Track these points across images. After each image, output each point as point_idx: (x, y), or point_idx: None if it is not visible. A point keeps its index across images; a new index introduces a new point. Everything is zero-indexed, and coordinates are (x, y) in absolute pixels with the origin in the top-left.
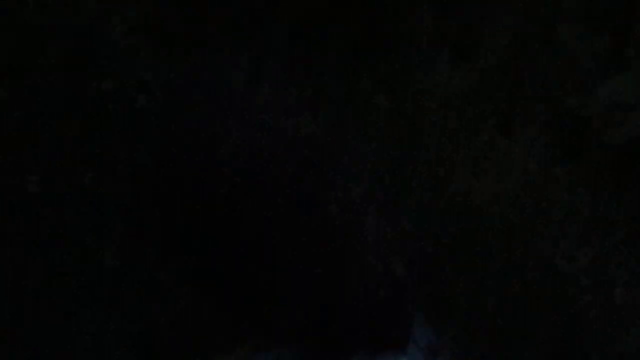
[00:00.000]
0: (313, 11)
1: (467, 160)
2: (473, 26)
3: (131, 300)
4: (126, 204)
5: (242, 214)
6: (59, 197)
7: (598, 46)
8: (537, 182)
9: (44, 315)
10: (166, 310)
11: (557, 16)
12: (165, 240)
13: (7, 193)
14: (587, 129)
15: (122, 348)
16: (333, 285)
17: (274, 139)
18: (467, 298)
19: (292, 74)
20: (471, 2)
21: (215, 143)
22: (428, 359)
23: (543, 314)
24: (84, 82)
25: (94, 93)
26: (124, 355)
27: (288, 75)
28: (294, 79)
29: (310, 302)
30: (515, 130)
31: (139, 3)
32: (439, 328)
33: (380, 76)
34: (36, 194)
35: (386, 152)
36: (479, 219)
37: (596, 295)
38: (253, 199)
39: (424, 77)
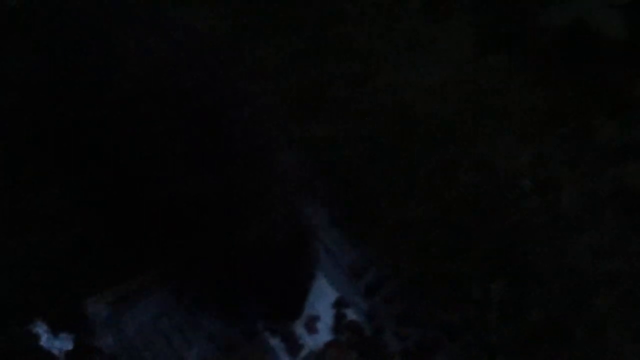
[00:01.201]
0: None
1: (389, 52)
2: None
3: (9, 229)
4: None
5: (139, 132)
6: None
7: None
8: (469, 74)
9: None
10: (50, 240)
11: None
12: (49, 160)
13: None
14: (523, 11)
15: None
16: (234, 217)
17: (176, 40)
18: (392, 210)
19: None
20: None
21: (110, 48)
22: (351, 281)
23: (480, 224)
24: None
25: None
26: (2, 294)
27: None
28: None
29: (206, 242)
30: (442, 16)
31: None
32: (362, 246)
33: None
34: None
35: (295, 48)
36: (405, 118)
37: (540, 199)
38: (150, 115)
39: None
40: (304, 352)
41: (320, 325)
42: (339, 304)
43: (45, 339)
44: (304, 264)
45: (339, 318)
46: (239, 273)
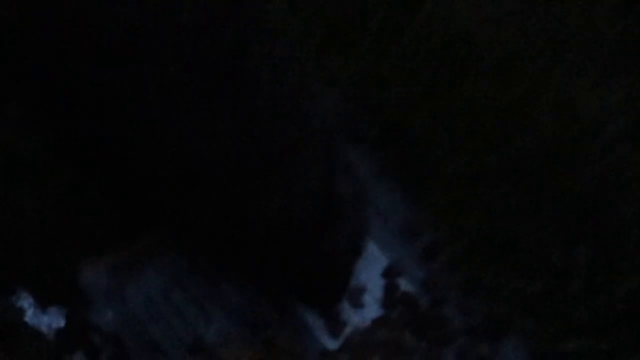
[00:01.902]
0: None
1: None
2: None
3: None
4: None
5: (141, 75)
6: None
7: None
8: None
9: None
10: (36, 194)
11: None
12: (33, 104)
13: None
14: None
15: None
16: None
17: None
18: (451, 159)
19: None
20: None
21: None
22: (405, 244)
23: (560, 176)
24: None
25: None
26: None
27: None
28: None
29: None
30: None
31: None
32: (417, 202)
33: None
34: None
35: None
36: (465, 49)
37: (632, 146)
38: (155, 55)
39: None
40: (347, 331)
41: (367, 298)
42: (389, 273)
43: (31, 313)
44: (345, 236)
45: (389, 289)
46: (265, 249)
